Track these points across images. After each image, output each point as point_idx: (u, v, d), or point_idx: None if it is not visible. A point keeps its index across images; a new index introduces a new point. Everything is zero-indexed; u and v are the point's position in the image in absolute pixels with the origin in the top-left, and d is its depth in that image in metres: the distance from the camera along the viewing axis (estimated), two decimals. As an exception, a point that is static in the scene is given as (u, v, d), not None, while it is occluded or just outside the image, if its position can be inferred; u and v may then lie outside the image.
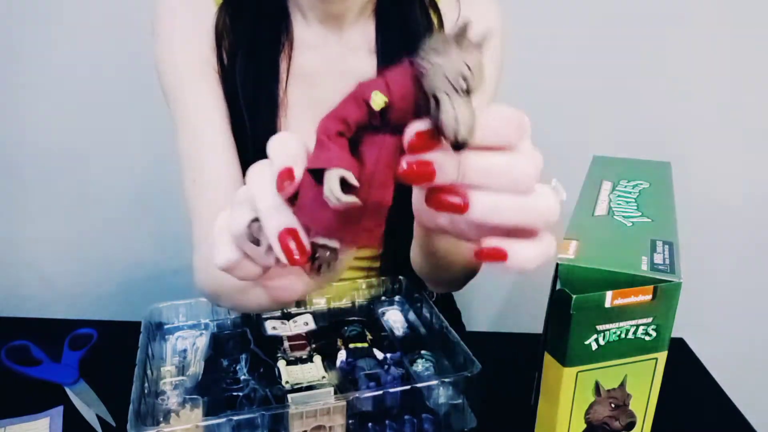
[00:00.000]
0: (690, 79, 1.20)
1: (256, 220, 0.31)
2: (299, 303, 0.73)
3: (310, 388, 0.59)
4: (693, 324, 0.77)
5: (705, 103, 1.22)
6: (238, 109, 0.67)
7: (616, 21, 1.16)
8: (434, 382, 0.59)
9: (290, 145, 0.30)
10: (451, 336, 0.64)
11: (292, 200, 0.30)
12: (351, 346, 0.66)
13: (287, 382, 0.60)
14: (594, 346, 0.48)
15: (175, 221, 0.81)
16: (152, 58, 0.68)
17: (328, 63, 0.70)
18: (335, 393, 0.58)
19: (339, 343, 0.67)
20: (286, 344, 0.66)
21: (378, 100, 0.27)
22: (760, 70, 1.20)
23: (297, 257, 0.30)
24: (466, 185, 0.30)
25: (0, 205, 1.27)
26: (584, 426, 0.52)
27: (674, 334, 0.49)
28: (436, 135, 0.28)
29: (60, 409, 0.65)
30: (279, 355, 0.64)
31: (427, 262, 0.61)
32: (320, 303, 0.74)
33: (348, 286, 0.75)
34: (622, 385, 0.50)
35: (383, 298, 0.76)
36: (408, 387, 0.57)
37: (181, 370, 0.64)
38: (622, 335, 0.48)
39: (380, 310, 0.74)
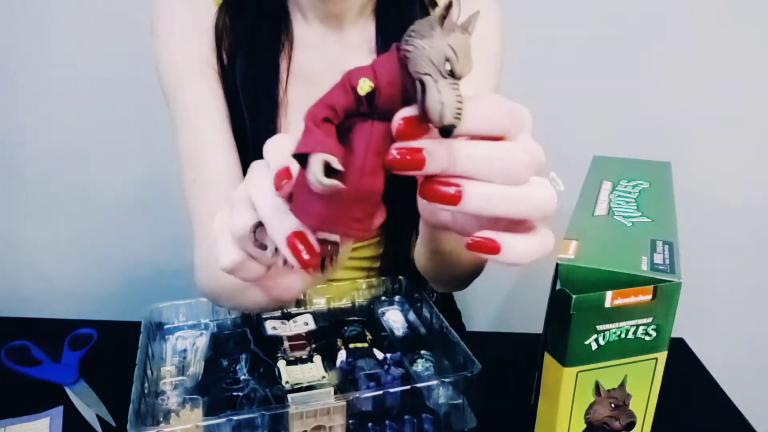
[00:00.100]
0: (690, 79, 1.20)
1: (260, 224, 0.31)
2: (299, 303, 0.73)
3: (310, 388, 0.59)
4: (693, 324, 0.77)
5: (705, 103, 1.22)
6: (238, 109, 0.67)
7: (616, 21, 1.16)
8: (434, 382, 0.59)
9: (286, 146, 0.30)
10: (451, 336, 0.64)
11: (291, 200, 0.30)
12: (351, 346, 0.66)
13: (287, 382, 0.60)
14: (594, 346, 0.48)
15: (175, 221, 0.81)
16: (152, 58, 0.68)
17: (328, 62, 0.70)
18: (335, 393, 0.58)
19: (339, 343, 0.67)
20: (286, 344, 0.66)
21: (364, 86, 0.27)
22: (760, 70, 1.20)
23: (307, 258, 0.30)
24: (459, 176, 0.29)
25: (0, 205, 1.27)
26: (584, 426, 0.51)
27: (674, 334, 0.49)
28: (424, 121, 0.27)
29: (60, 409, 0.65)
30: (279, 355, 0.64)
31: (432, 261, 0.61)
32: (320, 303, 0.74)
33: (348, 286, 0.75)
34: (622, 385, 0.50)
35: (383, 298, 0.76)
36: (408, 387, 0.57)
37: (181, 370, 0.64)
38: (622, 335, 0.48)
39: (380, 310, 0.74)
